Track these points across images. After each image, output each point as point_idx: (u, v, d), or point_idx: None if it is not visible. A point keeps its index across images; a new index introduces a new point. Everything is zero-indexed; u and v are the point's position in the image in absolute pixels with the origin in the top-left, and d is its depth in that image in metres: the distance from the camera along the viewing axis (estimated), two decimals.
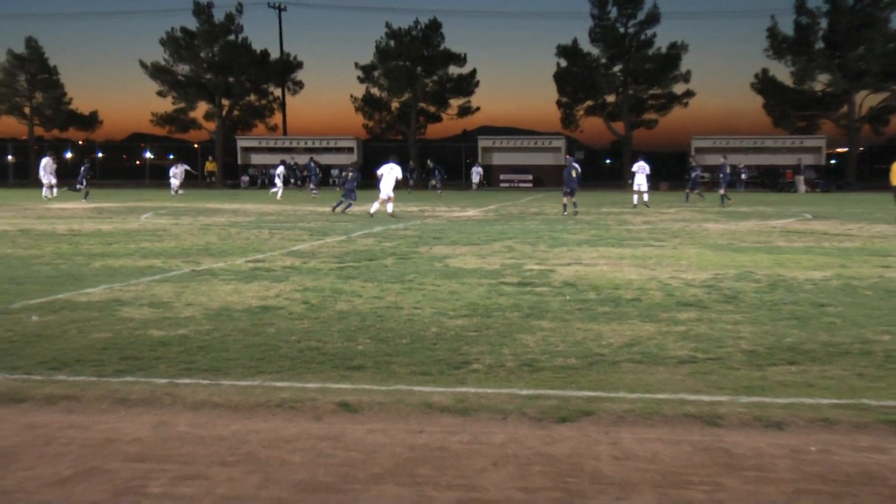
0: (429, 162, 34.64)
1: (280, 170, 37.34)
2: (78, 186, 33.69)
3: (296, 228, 19.18)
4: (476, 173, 51.70)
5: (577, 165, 23.33)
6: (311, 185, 38.76)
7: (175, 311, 8.49)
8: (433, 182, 42.23)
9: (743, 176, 49.26)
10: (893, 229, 18.75)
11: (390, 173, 22.04)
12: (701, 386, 5.79)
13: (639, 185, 28.46)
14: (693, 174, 30.97)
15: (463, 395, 5.63)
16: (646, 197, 28.63)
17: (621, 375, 6.04)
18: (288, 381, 5.92)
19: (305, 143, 56.73)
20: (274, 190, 36.10)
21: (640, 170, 28.64)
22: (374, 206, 22.63)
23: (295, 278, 10.73)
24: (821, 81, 53.93)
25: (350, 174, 25.13)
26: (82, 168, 34.13)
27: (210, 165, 55.66)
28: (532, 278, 10.75)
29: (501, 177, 55.03)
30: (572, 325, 7.73)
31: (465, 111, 59.81)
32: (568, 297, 9.23)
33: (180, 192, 37.17)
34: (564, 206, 23.60)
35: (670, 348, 6.83)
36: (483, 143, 56.65)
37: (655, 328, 7.59)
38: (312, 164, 43.06)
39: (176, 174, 38.75)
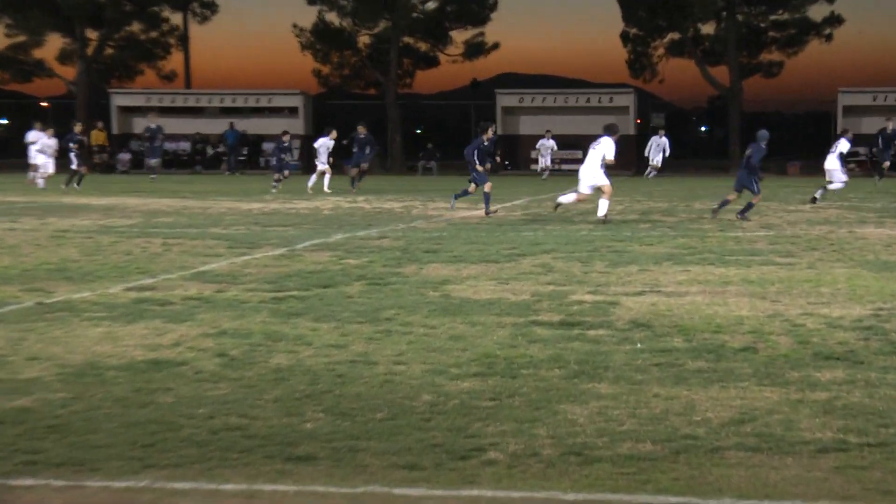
0: (359, 129, 33.68)
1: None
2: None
3: (206, 236, 19.22)
4: (545, 149, 51.89)
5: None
6: (226, 167, 38.88)
7: (10, 369, 8.49)
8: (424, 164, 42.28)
9: None
10: None
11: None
12: (855, 489, 5.81)
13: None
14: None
15: (474, 500, 5.63)
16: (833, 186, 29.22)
17: (726, 471, 6.06)
18: (193, 482, 5.93)
19: (221, 102, 56.94)
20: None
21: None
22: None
23: (204, 316, 10.74)
24: None
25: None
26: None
27: (98, 136, 54.12)
28: (583, 316, 10.78)
29: (533, 154, 55.20)
30: (647, 391, 7.76)
31: (475, 50, 60.14)
32: (640, 346, 9.27)
33: (40, 181, 36.89)
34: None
35: (804, 428, 6.87)
36: (504, 100, 56.88)
37: (780, 395, 7.62)
38: (232, 133, 43.22)
39: (46, 150, 37.89)
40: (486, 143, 24.49)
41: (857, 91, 54.84)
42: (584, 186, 22.39)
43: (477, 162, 24.30)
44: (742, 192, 23.04)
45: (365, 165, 35.10)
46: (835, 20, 57.26)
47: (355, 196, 31.79)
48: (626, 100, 55.83)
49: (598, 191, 22.35)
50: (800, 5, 56.11)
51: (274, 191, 33.90)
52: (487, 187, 24.27)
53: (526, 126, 56.21)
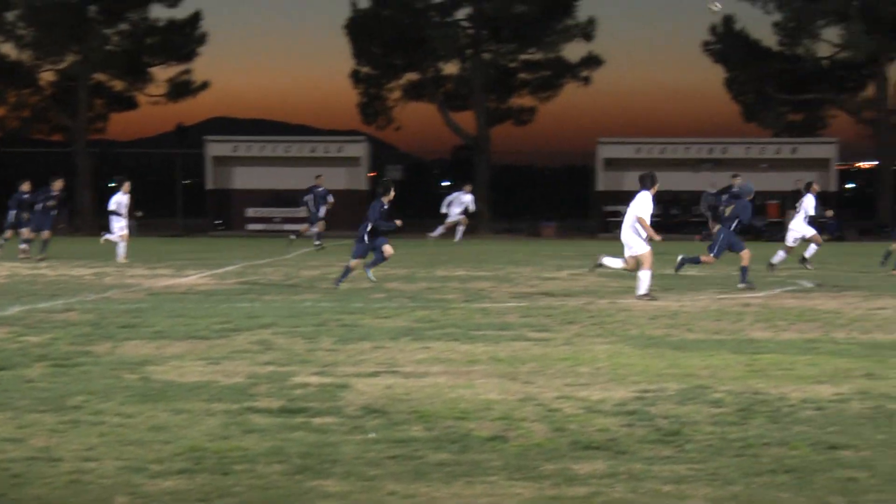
0: (55, 185, 33.50)
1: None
2: None
3: None
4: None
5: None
6: None
7: None
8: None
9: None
10: None
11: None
12: None
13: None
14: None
15: None
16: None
17: None
18: None
19: None
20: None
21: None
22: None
23: None
24: (828, 41, 57.67)
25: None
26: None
27: None
28: (307, 401, 10.78)
29: (249, 211, 55.09)
30: (381, 488, 7.79)
31: (180, 89, 59.79)
32: (374, 436, 9.30)
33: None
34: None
35: None
36: (215, 148, 56.64)
37: (534, 491, 7.75)
38: None
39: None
40: (385, 207, 23.82)
41: (619, 142, 56.79)
42: (627, 252, 21.54)
43: (377, 227, 23.40)
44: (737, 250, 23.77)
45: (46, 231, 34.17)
46: (592, 61, 59.37)
47: (37, 262, 31.01)
48: (358, 150, 56.33)
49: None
50: (553, 44, 57.84)
51: None
52: (388, 250, 23.55)
53: (241, 179, 56.04)
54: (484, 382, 11.91)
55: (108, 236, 32.44)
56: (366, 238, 23.26)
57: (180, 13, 59.43)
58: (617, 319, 17.97)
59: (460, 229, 45.61)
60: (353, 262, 23.40)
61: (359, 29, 57.57)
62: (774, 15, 56.79)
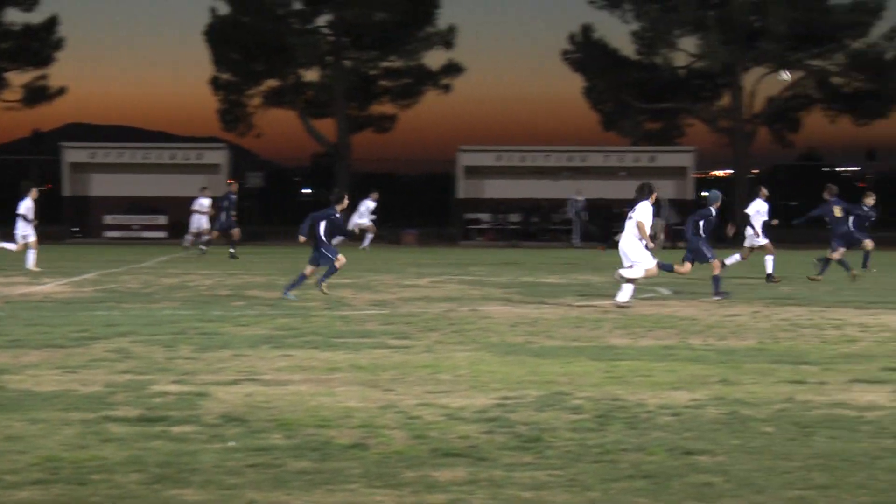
0: None
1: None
2: None
3: None
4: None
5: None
6: None
7: None
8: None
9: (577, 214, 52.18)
10: (812, 312, 20.63)
11: None
12: None
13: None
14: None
15: None
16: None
17: None
18: None
19: None
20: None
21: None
22: None
23: None
24: (685, 51, 58.57)
25: None
26: None
27: None
28: (166, 409, 10.69)
29: (107, 219, 54.39)
30: (241, 496, 7.76)
31: (36, 95, 58.85)
32: (233, 444, 9.26)
33: None
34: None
35: None
36: (72, 154, 55.81)
37: (394, 499, 7.78)
38: None
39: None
40: (338, 216, 23.35)
41: (480, 150, 57.01)
42: (626, 262, 21.45)
43: (325, 238, 22.97)
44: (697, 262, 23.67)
45: None
46: (453, 69, 59.64)
47: None
48: (218, 156, 55.85)
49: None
50: (414, 52, 58.00)
51: None
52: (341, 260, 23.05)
53: (99, 185, 55.32)
54: (345, 390, 11.91)
55: (2, 245, 31.71)
56: (322, 246, 22.83)
57: (36, 17, 58.69)
58: (478, 327, 18.06)
59: (368, 236, 45.27)
60: (309, 270, 22.99)
61: (218, 35, 57.18)
62: (633, 24, 57.69)
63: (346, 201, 23.42)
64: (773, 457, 9.04)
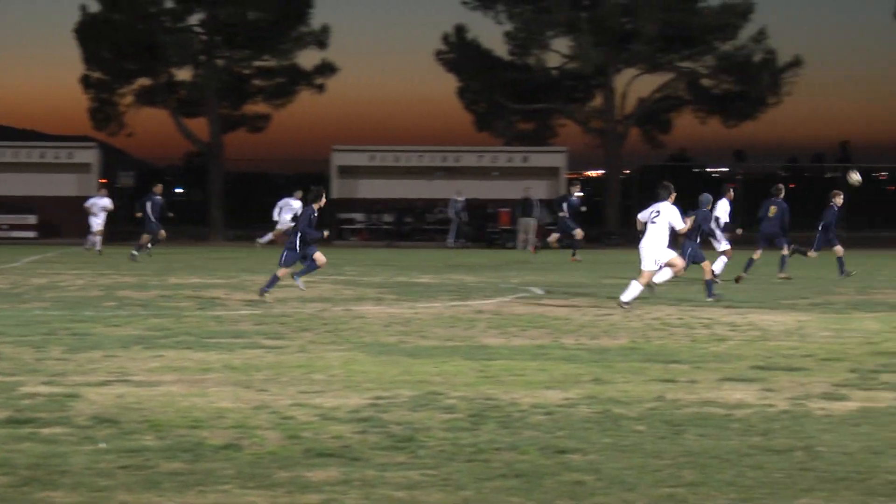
0: None
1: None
2: None
3: None
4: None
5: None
6: None
7: None
8: None
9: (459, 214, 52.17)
10: (683, 312, 20.90)
11: None
12: None
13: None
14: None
15: None
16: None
17: None
18: None
19: None
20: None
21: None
22: None
23: None
24: (558, 52, 58.95)
25: None
26: None
27: None
28: (35, 411, 10.54)
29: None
30: (112, 498, 7.69)
31: None
32: (104, 446, 9.16)
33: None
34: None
35: None
36: None
37: (267, 499, 7.75)
38: None
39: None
40: (315, 215, 22.73)
41: (353, 150, 57.00)
42: (649, 262, 21.27)
43: (305, 235, 22.25)
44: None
45: None
46: (327, 69, 59.46)
47: None
48: (89, 156, 55.26)
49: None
50: (287, 51, 57.77)
51: None
52: (320, 258, 22.40)
53: None
54: (217, 391, 11.84)
55: None
56: (297, 246, 22.23)
57: None
58: (351, 327, 18.05)
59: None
60: (282, 272, 22.33)
61: (89, 33, 56.40)
62: (506, 25, 57.89)
63: (324, 199, 22.80)
64: (644, 455, 9.14)
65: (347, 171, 55.23)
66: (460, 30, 59.59)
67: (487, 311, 20.58)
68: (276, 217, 44.18)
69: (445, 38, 59.92)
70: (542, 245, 37.63)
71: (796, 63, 58.33)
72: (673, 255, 21.61)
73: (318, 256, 22.51)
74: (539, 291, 25.05)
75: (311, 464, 8.72)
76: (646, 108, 59.76)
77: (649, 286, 21.75)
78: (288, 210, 44.54)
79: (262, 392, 11.82)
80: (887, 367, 13.91)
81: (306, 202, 23.19)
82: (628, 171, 65.00)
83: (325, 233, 23.05)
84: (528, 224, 48.67)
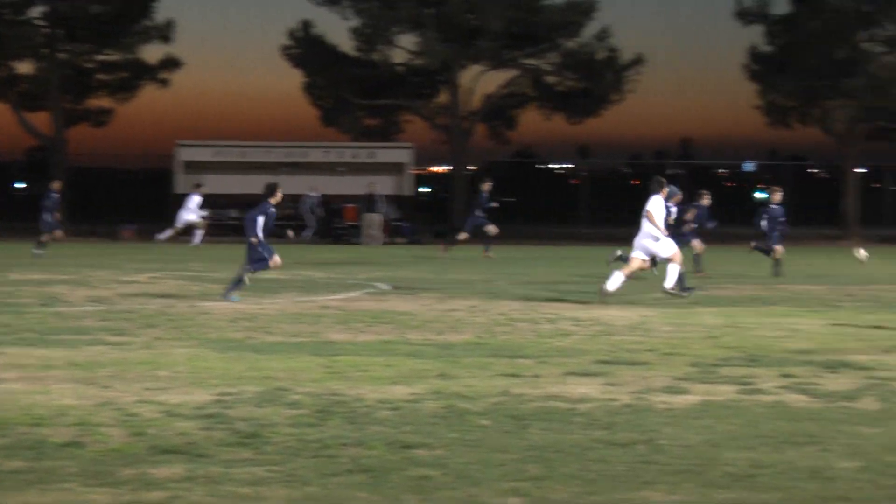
0: None
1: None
2: None
3: None
4: None
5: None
6: None
7: None
8: None
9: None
10: (527, 307, 21.07)
11: None
12: None
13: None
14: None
15: None
16: None
17: None
18: None
19: None
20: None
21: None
22: None
23: None
24: (403, 48, 59.07)
25: None
26: None
27: None
28: None
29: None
30: None
31: None
32: None
33: None
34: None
35: None
36: None
37: (112, 497, 7.64)
38: None
39: None
40: (273, 210, 21.62)
41: (198, 145, 56.56)
42: (640, 253, 21.98)
43: (260, 235, 21.30)
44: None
45: None
46: (171, 63, 58.92)
47: None
48: None
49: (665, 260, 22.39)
50: (131, 45, 57.14)
51: None
52: (276, 260, 21.51)
53: None
54: (60, 388, 11.66)
55: None
56: (261, 242, 21.35)
57: None
58: (197, 323, 17.92)
59: (199, 233, 43.19)
60: (248, 275, 21.63)
61: None
62: (352, 21, 57.83)
63: (279, 194, 21.87)
64: (489, 449, 9.19)
65: (192, 167, 54.71)
66: (307, 25, 59.44)
67: (334, 307, 20.56)
68: (189, 216, 43.29)
69: (292, 34, 59.71)
70: (390, 241, 37.59)
71: (638, 61, 59.22)
72: (673, 248, 22.12)
73: (275, 259, 21.57)
74: (385, 287, 25.09)
75: (155, 461, 8.63)
76: (491, 104, 60.14)
77: (630, 277, 22.22)
78: (187, 207, 43.87)
79: (106, 389, 11.66)
80: (727, 361, 14.18)
81: (261, 198, 21.96)
82: (474, 168, 65.36)
83: (290, 233, 22.49)
84: (373, 220, 48.73)
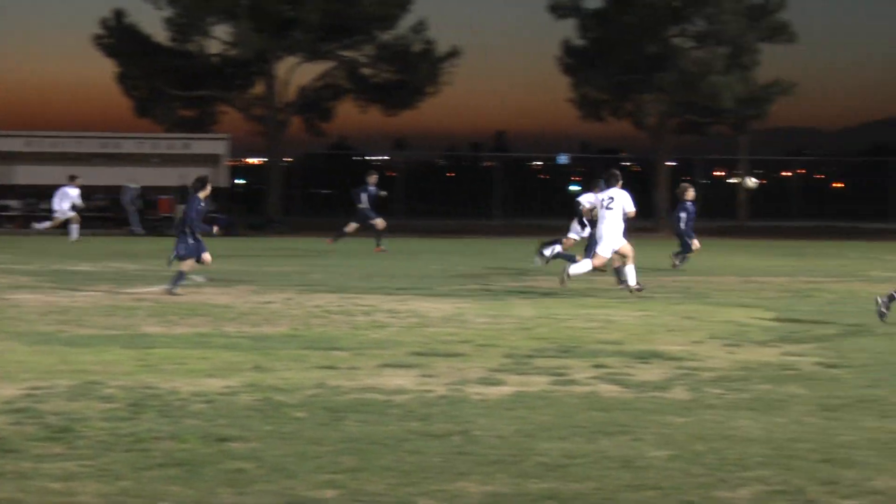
0: None
1: None
2: None
3: None
4: None
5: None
6: None
7: None
8: None
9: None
10: (343, 299, 21.05)
11: None
12: None
13: None
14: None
15: None
16: None
17: None
18: None
19: None
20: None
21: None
22: None
23: None
24: (219, 39, 58.56)
25: None
26: None
27: None
28: None
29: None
30: None
31: None
32: None
33: None
34: None
35: None
36: None
37: None
38: None
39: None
40: (203, 205, 21.16)
41: (8, 135, 55.42)
42: (606, 249, 21.79)
43: (193, 229, 20.98)
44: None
45: None
46: None
47: None
48: None
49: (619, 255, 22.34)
50: None
51: None
52: (206, 258, 21.18)
53: None
54: None
55: None
56: (191, 237, 20.96)
57: None
58: (7, 316, 17.64)
59: (75, 227, 41.59)
60: (186, 265, 21.26)
61: None
62: (166, 11, 57.09)
63: (209, 188, 21.58)
64: (305, 442, 9.23)
65: (3, 157, 53.55)
66: (119, 14, 58.44)
67: (148, 300, 20.32)
68: (55, 206, 42.12)
69: (104, 23, 58.70)
70: (340, 234, 37.02)
71: (454, 53, 59.54)
72: (624, 244, 22.10)
73: (205, 256, 21.38)
74: (201, 279, 24.84)
75: None
76: (307, 96, 59.98)
77: (569, 276, 22.16)
78: (65, 198, 42.64)
79: None
80: (540, 352, 14.39)
81: (192, 191, 21.78)
82: (290, 159, 65.15)
83: (215, 228, 22.09)
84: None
